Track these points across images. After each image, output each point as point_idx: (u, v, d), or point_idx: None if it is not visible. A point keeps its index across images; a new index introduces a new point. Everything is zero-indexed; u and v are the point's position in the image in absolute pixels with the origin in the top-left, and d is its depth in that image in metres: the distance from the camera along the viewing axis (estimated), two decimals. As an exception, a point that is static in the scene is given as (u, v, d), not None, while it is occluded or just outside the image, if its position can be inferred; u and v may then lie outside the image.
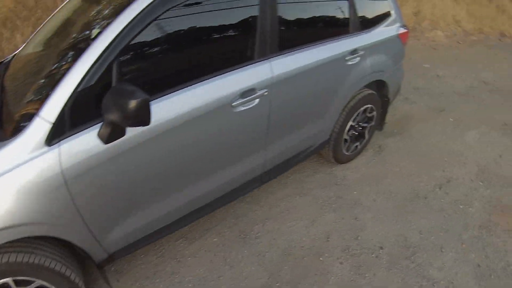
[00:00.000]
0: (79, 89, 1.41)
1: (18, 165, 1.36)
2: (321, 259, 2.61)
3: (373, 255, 2.65)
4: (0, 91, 1.90)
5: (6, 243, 1.42)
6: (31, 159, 1.37)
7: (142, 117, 1.34)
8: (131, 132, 1.57)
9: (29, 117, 1.44)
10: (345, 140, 3.24)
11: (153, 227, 2.02)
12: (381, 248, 2.71)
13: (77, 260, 1.92)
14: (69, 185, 1.47)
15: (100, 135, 1.45)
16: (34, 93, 1.63)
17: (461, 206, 3.13)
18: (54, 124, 1.39)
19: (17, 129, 1.43)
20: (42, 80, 1.67)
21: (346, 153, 3.39)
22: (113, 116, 1.34)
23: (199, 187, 2.10)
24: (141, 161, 1.68)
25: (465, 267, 2.60)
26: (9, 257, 1.44)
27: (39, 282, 1.58)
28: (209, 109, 1.83)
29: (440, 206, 3.16)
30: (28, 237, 1.52)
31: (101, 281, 2.30)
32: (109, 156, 1.53)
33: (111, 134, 1.44)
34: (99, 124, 1.49)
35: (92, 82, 1.43)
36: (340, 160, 3.41)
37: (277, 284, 2.40)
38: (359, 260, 2.60)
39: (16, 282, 1.55)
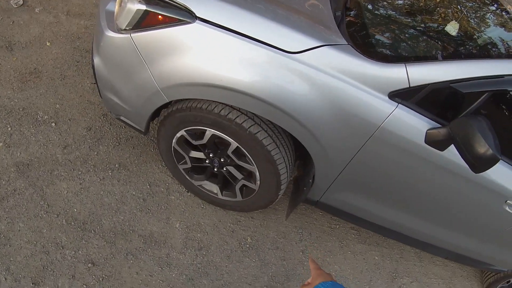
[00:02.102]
0: (452, 81, 1.60)
1: (350, 82, 1.61)
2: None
3: None
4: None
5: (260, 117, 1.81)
6: (367, 92, 1.62)
7: (479, 165, 1.48)
8: (449, 155, 1.74)
9: (398, 60, 1.69)
10: None
11: (362, 214, 2.36)
12: None
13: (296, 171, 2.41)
14: (369, 141, 1.72)
15: (429, 133, 1.64)
16: (416, 45, 1.90)
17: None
18: (410, 87, 1.60)
19: (377, 57, 1.66)
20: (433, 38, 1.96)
21: None
22: (457, 135, 1.52)
23: (412, 220, 2.33)
24: (420, 174, 1.88)
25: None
26: (249, 126, 1.81)
27: (251, 167, 2.01)
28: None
29: None
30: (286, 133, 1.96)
31: (286, 204, 2.81)
32: (412, 151, 1.73)
33: (437, 142, 1.63)
34: (427, 120, 1.67)
35: (464, 90, 1.58)
36: None
37: None
38: None
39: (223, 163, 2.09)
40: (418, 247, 2.71)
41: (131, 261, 2.22)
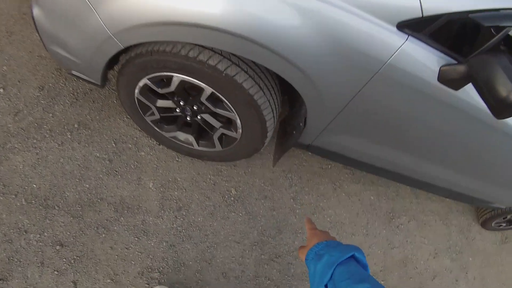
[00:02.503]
0: (472, 11, 1.37)
1: (350, 10, 1.34)
2: None
3: None
4: None
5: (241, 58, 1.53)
6: (372, 22, 1.36)
7: (503, 110, 1.30)
8: (464, 95, 1.55)
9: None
10: None
11: (360, 156, 2.17)
12: None
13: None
14: (373, 79, 1.48)
15: (443, 70, 1.45)
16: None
17: None
18: (423, 17, 1.36)
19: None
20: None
21: None
22: (478, 74, 1.34)
23: (414, 161, 2.19)
24: (429, 114, 1.70)
25: None
26: (226, 68, 1.51)
27: (230, 115, 1.75)
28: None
29: None
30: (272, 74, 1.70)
31: (272, 147, 2.54)
32: (422, 90, 1.53)
33: (452, 80, 1.45)
34: (441, 55, 1.44)
35: (486, 22, 1.34)
36: None
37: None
38: None
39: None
40: (419, 187, 2.61)
41: (103, 235, 1.98)
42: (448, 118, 1.72)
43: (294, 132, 1.97)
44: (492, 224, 3.37)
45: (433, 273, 3.05)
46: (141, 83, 1.76)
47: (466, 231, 3.42)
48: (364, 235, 2.73)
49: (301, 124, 1.90)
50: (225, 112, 1.77)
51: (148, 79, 1.72)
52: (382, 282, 2.57)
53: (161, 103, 1.88)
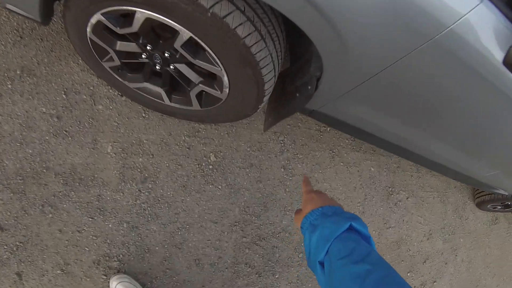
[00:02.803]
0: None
1: None
2: None
3: None
4: None
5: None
6: None
7: None
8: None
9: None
10: None
11: (372, 129, 1.84)
12: None
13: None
14: (424, 46, 1.18)
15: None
16: None
17: None
18: None
19: None
20: None
21: None
22: None
23: (433, 142, 1.93)
24: (474, 99, 1.45)
25: None
26: (213, 5, 1.07)
27: (215, 70, 1.33)
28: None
29: None
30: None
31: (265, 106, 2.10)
32: (478, 70, 1.26)
33: None
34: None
35: None
36: None
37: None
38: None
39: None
40: (428, 166, 2.34)
41: (50, 215, 1.58)
42: (497, 108, 1.46)
43: (298, 94, 1.53)
44: (488, 206, 3.27)
45: (425, 255, 2.85)
46: (93, 20, 1.27)
47: (461, 210, 3.24)
48: (360, 212, 2.40)
49: (309, 87, 1.45)
50: (208, 65, 1.32)
51: (102, 14, 1.24)
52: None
53: (121, 46, 1.39)
